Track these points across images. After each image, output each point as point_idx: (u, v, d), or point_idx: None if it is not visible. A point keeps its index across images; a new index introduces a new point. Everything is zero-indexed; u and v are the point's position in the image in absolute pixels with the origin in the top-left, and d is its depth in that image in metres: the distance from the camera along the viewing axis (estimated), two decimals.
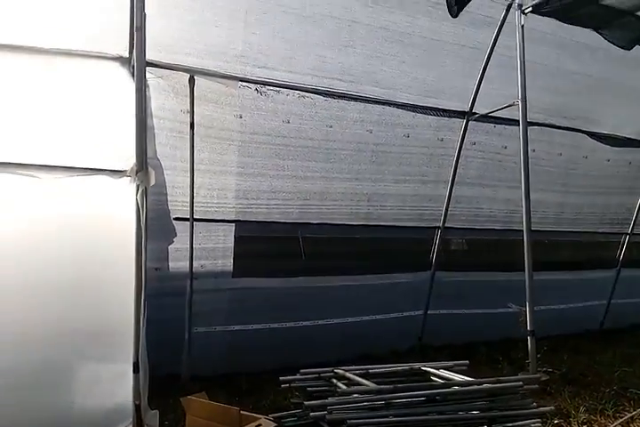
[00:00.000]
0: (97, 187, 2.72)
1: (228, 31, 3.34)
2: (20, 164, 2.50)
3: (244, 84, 3.64)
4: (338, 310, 4.65)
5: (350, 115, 4.17)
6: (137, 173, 2.71)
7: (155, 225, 3.51)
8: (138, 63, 2.69)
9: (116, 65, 3.25)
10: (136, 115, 2.68)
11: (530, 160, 4.11)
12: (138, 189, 2.68)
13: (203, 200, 3.91)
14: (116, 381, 2.69)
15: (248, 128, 3.83)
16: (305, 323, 4.61)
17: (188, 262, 3.94)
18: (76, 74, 3.11)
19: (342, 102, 4.06)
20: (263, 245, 4.50)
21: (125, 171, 2.69)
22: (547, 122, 4.99)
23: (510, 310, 4.54)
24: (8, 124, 2.64)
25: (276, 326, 4.43)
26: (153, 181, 2.80)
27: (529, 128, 4.13)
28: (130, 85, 3.20)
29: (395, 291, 4.97)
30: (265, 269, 4.43)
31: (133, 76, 3.22)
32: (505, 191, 5.15)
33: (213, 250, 4.10)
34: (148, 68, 3.40)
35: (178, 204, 3.84)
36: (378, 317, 4.99)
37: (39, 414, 2.61)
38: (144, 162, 2.74)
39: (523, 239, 4.06)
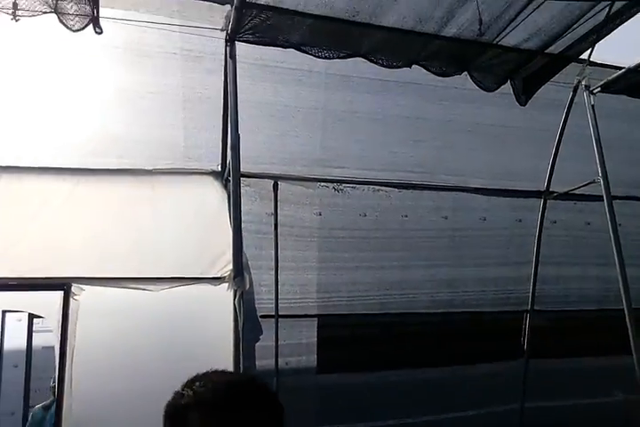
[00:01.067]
0: (197, 293, 2.94)
1: (307, 139, 3.70)
2: (133, 278, 2.77)
3: (323, 184, 3.93)
4: (422, 405, 4.45)
5: (425, 203, 4.33)
6: (234, 278, 2.91)
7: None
8: (234, 178, 3.00)
9: (210, 179, 3.65)
10: (232, 226, 2.94)
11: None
12: (235, 294, 2.87)
13: (287, 296, 4.06)
14: None
15: (327, 224, 4.05)
16: (390, 422, 4.44)
17: (273, 360, 4.00)
18: (174, 189, 3.51)
19: (416, 192, 4.25)
20: (345, 338, 4.51)
21: (224, 277, 2.90)
22: (629, 194, 4.93)
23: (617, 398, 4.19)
24: (121, 242, 2.97)
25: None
26: (248, 286, 2.99)
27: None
28: (223, 196, 3.58)
29: (484, 382, 4.72)
30: (347, 363, 4.40)
31: (225, 187, 3.62)
32: (594, 269, 4.98)
33: (297, 346, 4.15)
34: None
35: (263, 301, 4.00)
36: (469, 413, 4.72)
37: None
38: (240, 268, 2.95)
39: (624, 318, 3.84)
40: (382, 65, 3.35)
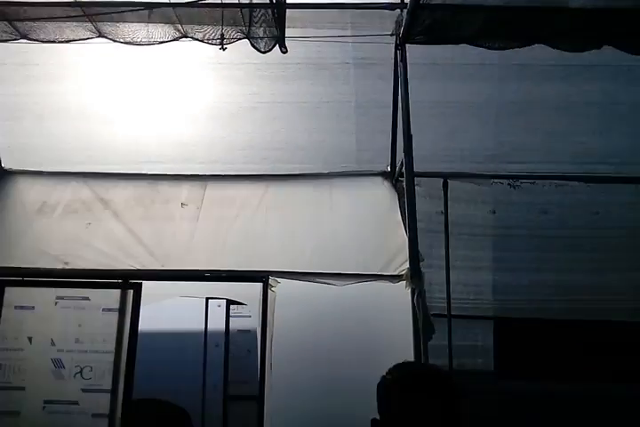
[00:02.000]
0: (377, 289, 3.18)
1: (479, 135, 3.69)
2: (321, 273, 3.12)
3: (497, 180, 3.87)
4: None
5: (619, 198, 3.95)
6: (412, 277, 3.08)
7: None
8: (408, 178, 3.16)
9: (380, 180, 3.88)
10: (408, 225, 3.10)
11: None
12: (414, 293, 3.03)
13: (459, 296, 4.09)
14: None
15: (502, 223, 3.96)
16: None
17: (444, 360, 4.07)
18: (348, 190, 3.82)
19: (608, 186, 3.90)
20: (526, 344, 4.34)
21: (402, 275, 3.08)
22: None
23: None
24: (307, 240, 3.36)
25: None
26: (424, 285, 3.13)
27: None
28: (393, 196, 3.77)
29: None
30: (529, 370, 4.24)
31: (395, 187, 3.81)
32: None
33: (472, 348, 4.16)
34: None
35: (435, 300, 4.09)
36: None
37: None
38: (417, 267, 3.10)
39: None
40: (566, 49, 3.18)
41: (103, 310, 3.20)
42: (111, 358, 3.12)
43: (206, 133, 3.76)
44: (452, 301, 4.22)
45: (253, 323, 5.32)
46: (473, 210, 3.95)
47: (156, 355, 4.53)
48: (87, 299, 3.22)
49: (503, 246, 4.00)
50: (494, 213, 3.96)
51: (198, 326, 5.14)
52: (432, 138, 3.70)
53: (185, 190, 3.80)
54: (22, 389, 3.07)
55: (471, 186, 3.86)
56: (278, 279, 3.19)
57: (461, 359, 4.29)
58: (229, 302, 5.24)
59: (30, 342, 3.16)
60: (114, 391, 3.09)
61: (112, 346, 3.14)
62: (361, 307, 3.21)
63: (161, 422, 4.73)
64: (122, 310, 3.19)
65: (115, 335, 3.15)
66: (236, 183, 3.85)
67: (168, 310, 4.98)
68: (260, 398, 3.13)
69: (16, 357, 3.13)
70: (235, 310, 5.25)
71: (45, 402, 3.04)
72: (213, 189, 3.82)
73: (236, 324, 5.24)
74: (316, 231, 3.45)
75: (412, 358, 3.04)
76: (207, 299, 5.17)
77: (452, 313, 4.24)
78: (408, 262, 3.13)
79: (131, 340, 3.14)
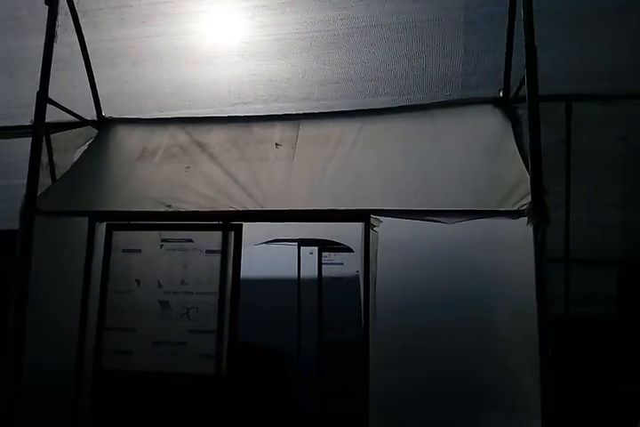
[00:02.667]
0: (491, 227, 2.90)
1: (612, 46, 3.17)
2: (428, 210, 2.89)
3: (632, 101, 3.36)
4: None
5: None
6: (535, 212, 2.77)
7: None
8: (531, 102, 2.79)
9: (489, 107, 3.50)
10: (531, 153, 2.76)
11: None
12: (537, 230, 2.73)
13: (579, 238, 3.71)
14: None
15: (635, 152, 3.48)
16: None
17: (562, 309, 3.77)
18: (454, 120, 3.49)
19: None
20: None
21: (522, 211, 2.79)
22: None
23: None
24: (410, 176, 3.13)
25: None
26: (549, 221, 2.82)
27: None
28: (506, 124, 3.39)
29: None
30: None
31: (508, 114, 3.43)
32: None
33: (592, 295, 3.81)
34: (521, 103, 3.59)
35: (551, 242, 3.74)
36: None
37: None
38: (542, 202, 2.78)
39: None
40: None
41: (206, 252, 3.19)
42: (215, 299, 3.14)
43: (298, 68, 3.55)
44: (570, 242, 3.88)
45: (345, 271, 5.27)
46: (600, 138, 3.49)
47: (252, 301, 4.61)
48: (190, 241, 3.22)
49: (635, 179, 3.53)
50: (626, 140, 3.48)
51: (291, 273, 5.16)
52: (553, 56, 3.24)
53: (278, 130, 3.65)
54: (133, 330, 3.19)
55: (599, 109, 3.38)
56: (381, 218, 3.00)
57: (579, 308, 3.97)
58: (322, 250, 5.19)
59: (138, 285, 3.24)
60: (219, 333, 3.12)
61: (216, 287, 3.14)
62: (473, 247, 2.96)
63: (260, 366, 4.89)
64: (224, 252, 3.17)
65: (218, 277, 3.15)
66: (329, 121, 3.63)
67: (261, 257, 5.02)
68: (364, 344, 3.02)
69: (126, 299, 3.24)
70: (327, 258, 5.19)
71: (155, 343, 3.14)
72: (307, 128, 3.63)
73: (328, 271, 5.20)
74: (419, 166, 3.19)
75: (529, 303, 2.79)
76: (299, 245, 5.15)
77: (571, 257, 3.90)
78: (530, 196, 2.83)
79: (234, 281, 3.13)
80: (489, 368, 2.94)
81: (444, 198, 2.98)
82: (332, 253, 5.18)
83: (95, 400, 3.07)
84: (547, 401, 2.60)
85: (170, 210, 3.18)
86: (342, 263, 5.19)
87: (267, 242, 5.00)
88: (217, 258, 3.17)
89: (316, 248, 5.17)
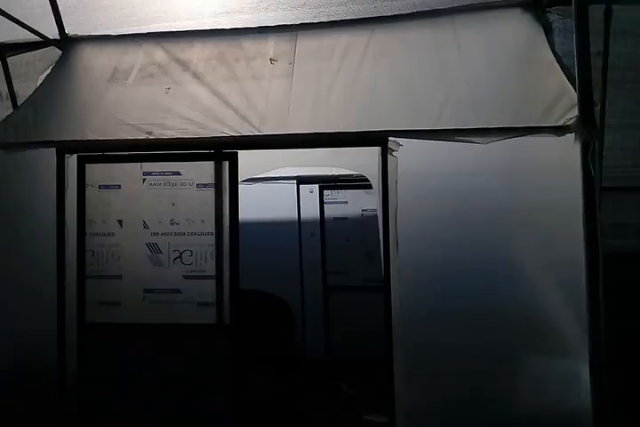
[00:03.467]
0: (532, 145, 2.51)
1: None
2: (456, 129, 2.47)
3: None
4: None
5: None
6: (583, 127, 2.37)
7: None
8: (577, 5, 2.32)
9: (518, 12, 3.00)
10: (578, 61, 2.32)
11: None
12: (587, 147, 2.35)
13: (612, 163, 3.34)
14: (566, 381, 2.45)
15: None
16: None
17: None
18: (478, 27, 2.99)
19: None
20: None
21: (568, 126, 2.39)
22: None
23: None
24: (430, 92, 2.68)
25: None
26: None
27: None
28: (537, 30, 2.92)
29: None
30: None
31: (540, 19, 2.94)
32: None
33: (624, 226, 3.49)
34: (552, 8, 3.10)
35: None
36: None
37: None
38: (591, 115, 2.38)
39: None
40: None
41: (198, 186, 2.77)
42: (212, 240, 2.77)
43: None
44: (603, 168, 3.51)
45: (350, 210, 4.91)
46: None
47: (250, 244, 4.26)
48: (178, 174, 2.78)
49: None
50: None
51: (290, 214, 4.78)
52: None
53: (272, 44, 3.11)
54: (119, 277, 2.82)
55: None
56: (400, 140, 2.59)
57: (609, 240, 3.68)
58: (323, 188, 4.79)
59: (121, 226, 2.83)
60: (219, 278, 2.77)
61: (212, 227, 2.76)
62: (512, 169, 2.58)
63: (263, 313, 4.63)
64: (218, 186, 2.75)
65: (213, 215, 2.76)
66: (332, 31, 3.09)
67: (257, 197, 4.63)
68: (386, 285, 2.71)
69: (108, 243, 2.84)
70: (329, 196, 4.81)
71: (145, 291, 2.79)
72: (305, 41, 3.09)
73: (331, 211, 4.83)
74: (441, 80, 2.72)
75: (575, 233, 2.47)
76: (298, 183, 4.74)
77: (603, 184, 3.55)
78: (576, 110, 2.42)
79: (232, 219, 2.73)
80: (521, 308, 2.66)
81: (474, 116, 2.54)
82: (334, 191, 4.80)
83: (81, 357, 2.75)
84: (595, 343, 2.33)
85: (151, 137, 2.72)
86: (346, 202, 4.82)
87: (261, 179, 4.62)
88: (210, 193, 2.76)
89: (317, 186, 4.77)
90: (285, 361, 4.28)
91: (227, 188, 2.72)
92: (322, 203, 4.76)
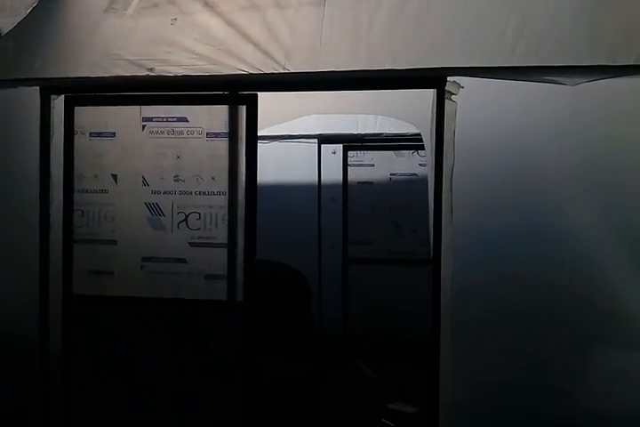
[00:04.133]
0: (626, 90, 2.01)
1: None
2: (536, 66, 1.98)
3: None
4: None
5: None
6: None
7: None
8: None
9: None
10: None
11: None
12: None
13: None
14: None
15: None
16: None
17: None
18: None
19: None
20: None
21: None
22: None
23: None
24: (498, 22, 2.15)
25: None
26: None
27: None
28: None
29: None
30: None
31: None
32: None
33: None
34: None
35: None
36: None
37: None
38: None
39: None
40: None
41: (208, 135, 2.31)
42: (224, 201, 2.32)
43: None
44: None
45: (376, 174, 4.42)
46: None
47: (264, 209, 3.84)
48: (184, 120, 2.32)
49: None
50: None
51: (310, 176, 4.31)
52: None
53: None
54: (113, 243, 2.39)
55: None
56: (460, 79, 2.10)
57: None
58: (347, 148, 4.31)
59: (116, 182, 2.39)
60: (231, 247, 2.35)
61: (224, 185, 2.31)
62: (593, 122, 2.10)
63: (276, 285, 4.24)
64: (233, 135, 2.29)
65: (227, 171, 2.31)
66: None
67: (273, 157, 4.17)
68: (435, 257, 2.25)
69: (100, 201, 2.40)
70: (353, 158, 4.33)
71: (143, 259, 2.35)
72: None
73: (355, 174, 4.36)
74: (514, 5, 2.21)
75: None
76: (320, 143, 4.25)
77: None
78: None
79: (249, 176, 2.27)
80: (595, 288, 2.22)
81: (557, 52, 2.04)
82: (359, 153, 4.32)
83: (67, 336, 2.36)
84: None
85: (152, 75, 2.24)
86: (373, 164, 4.35)
87: (278, 137, 4.15)
88: (223, 144, 2.29)
89: (340, 146, 4.29)
90: (301, 339, 3.91)
91: (243, 138, 2.25)
92: (345, 165, 4.28)
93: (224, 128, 2.26)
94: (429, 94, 2.17)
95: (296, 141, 4.22)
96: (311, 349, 3.88)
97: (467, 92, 2.09)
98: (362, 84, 2.20)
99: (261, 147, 4.20)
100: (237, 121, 2.25)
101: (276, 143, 4.21)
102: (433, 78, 2.09)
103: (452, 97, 2.10)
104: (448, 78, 2.07)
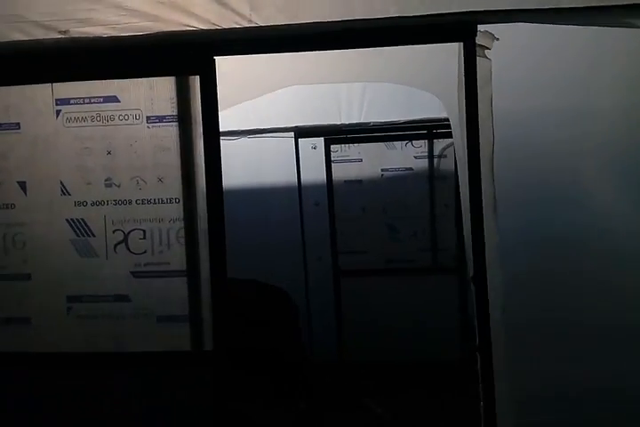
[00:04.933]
0: None
1: None
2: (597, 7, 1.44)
3: None
4: None
5: None
6: None
7: None
8: None
9: None
10: None
11: None
12: None
13: None
14: None
15: None
16: None
17: None
18: None
19: None
20: None
21: None
22: None
23: None
24: None
25: None
26: None
27: None
28: None
29: None
30: None
31: None
32: None
33: None
34: None
35: None
36: None
37: None
38: None
39: None
40: None
41: (149, 120, 1.68)
42: (178, 211, 1.68)
43: None
44: None
45: (365, 170, 3.85)
46: None
47: (235, 219, 3.24)
48: (114, 100, 1.68)
49: None
50: None
51: (287, 177, 3.71)
52: None
53: None
54: (26, 277, 1.69)
55: None
56: (496, 30, 1.55)
57: None
58: (329, 142, 3.73)
59: (24, 192, 1.70)
60: (192, 274, 1.71)
61: (176, 189, 1.68)
62: None
63: (258, 306, 3.64)
64: (183, 118, 1.67)
65: (179, 169, 1.68)
66: None
67: (242, 157, 3.57)
68: (477, 255, 1.65)
69: (4, 220, 1.71)
70: (338, 153, 3.75)
71: (69, 299, 1.68)
72: None
73: (341, 172, 3.78)
74: None
75: None
76: (297, 136, 3.65)
77: None
78: None
79: (211, 175, 1.63)
80: None
81: None
82: (344, 146, 3.75)
83: None
84: None
85: (66, 37, 1.63)
86: (361, 159, 3.78)
87: (246, 133, 3.56)
88: (171, 131, 1.63)
89: (322, 139, 3.71)
90: (290, 373, 3.31)
91: (198, 121, 1.65)
92: (329, 162, 3.68)
93: (170, 109, 1.65)
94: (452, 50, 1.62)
95: (269, 136, 3.63)
96: (304, 383, 3.28)
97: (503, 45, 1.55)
98: (357, 40, 1.63)
99: (228, 144, 3.65)
100: (189, 98, 1.65)
101: (244, 139, 3.61)
102: (458, 27, 1.54)
103: (485, 51, 1.55)
104: (479, 28, 1.53)
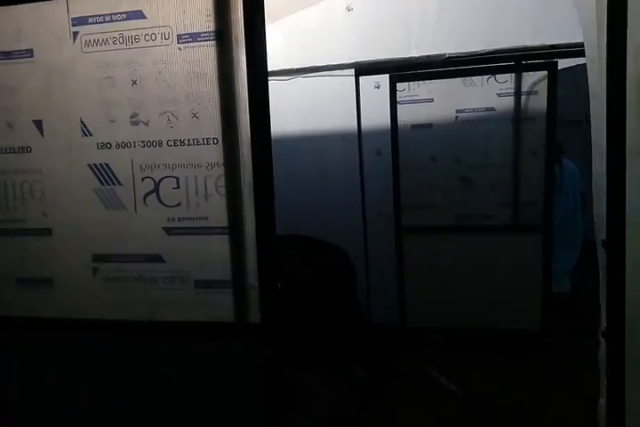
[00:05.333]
0: None
1: None
2: None
3: None
4: None
5: None
6: None
7: None
8: None
9: None
10: None
11: None
12: None
13: None
14: None
15: None
16: None
17: None
18: None
19: None
20: None
21: None
22: None
23: None
24: None
25: None
26: None
27: None
28: None
29: None
30: None
31: None
32: None
33: None
34: None
35: None
36: None
37: None
38: None
39: None
40: None
41: (180, 39, 1.35)
42: (218, 155, 1.43)
43: None
44: None
45: (436, 112, 3.41)
46: None
47: (286, 168, 2.96)
48: (139, 16, 1.37)
49: None
50: None
51: (345, 122, 3.35)
52: None
53: None
54: (47, 233, 1.50)
55: None
56: None
57: None
58: (394, 79, 3.31)
59: (41, 133, 1.49)
60: (235, 232, 1.48)
61: (215, 128, 1.37)
62: None
63: (311, 266, 3.43)
64: (223, 36, 1.34)
65: (217, 101, 1.42)
66: None
67: (295, 98, 3.24)
68: (614, 233, 1.32)
69: (20, 166, 1.51)
70: (404, 93, 3.33)
71: (95, 259, 1.47)
72: None
73: (408, 115, 3.37)
74: None
75: None
76: (357, 74, 3.26)
77: None
78: None
79: (257, 110, 1.36)
80: None
81: None
82: (413, 84, 3.31)
83: None
84: None
85: None
86: (432, 99, 3.34)
87: (300, 71, 3.21)
88: (207, 54, 1.35)
89: (387, 77, 3.28)
90: (347, 338, 3.10)
91: (240, 40, 1.35)
92: (394, 103, 3.28)
93: (206, 24, 1.35)
94: None
95: (325, 75, 3.26)
96: (361, 350, 3.08)
97: None
98: None
99: (279, 85, 3.33)
100: (229, 10, 1.33)
101: (297, 79, 3.26)
102: None
103: None
104: None
